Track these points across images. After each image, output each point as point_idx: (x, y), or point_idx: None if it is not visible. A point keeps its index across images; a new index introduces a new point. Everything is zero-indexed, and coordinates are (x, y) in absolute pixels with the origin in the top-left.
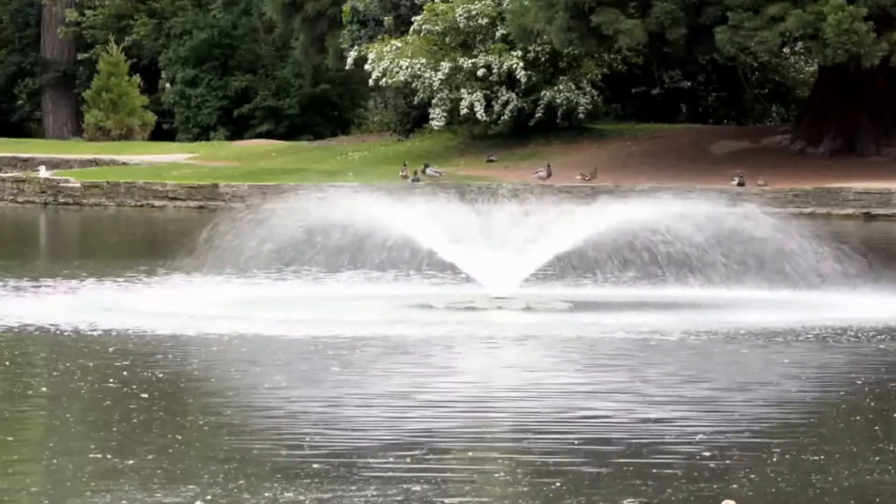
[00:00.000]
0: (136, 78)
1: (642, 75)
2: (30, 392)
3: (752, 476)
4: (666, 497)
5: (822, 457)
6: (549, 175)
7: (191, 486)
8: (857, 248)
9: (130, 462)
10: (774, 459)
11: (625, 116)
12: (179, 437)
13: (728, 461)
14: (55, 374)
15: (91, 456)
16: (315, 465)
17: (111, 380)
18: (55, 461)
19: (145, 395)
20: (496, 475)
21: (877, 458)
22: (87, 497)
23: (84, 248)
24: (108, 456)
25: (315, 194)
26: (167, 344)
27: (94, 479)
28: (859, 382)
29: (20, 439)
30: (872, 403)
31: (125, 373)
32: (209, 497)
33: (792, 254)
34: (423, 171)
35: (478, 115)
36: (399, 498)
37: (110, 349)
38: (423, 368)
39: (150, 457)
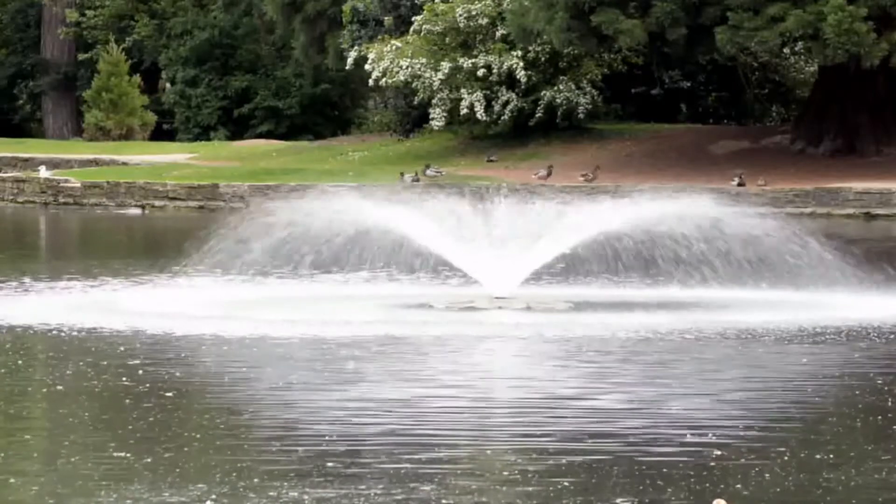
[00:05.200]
0: (137, 78)
1: (642, 75)
2: (44, 390)
3: (766, 475)
4: (668, 496)
5: (833, 456)
6: (548, 175)
7: (200, 485)
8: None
9: (147, 460)
10: (786, 458)
11: (625, 116)
12: (197, 436)
13: (742, 460)
14: (68, 372)
15: (108, 454)
16: (329, 465)
17: (124, 378)
18: (72, 459)
19: (169, 394)
20: (500, 475)
21: (886, 458)
22: (95, 496)
23: (85, 247)
24: (127, 454)
25: (316, 194)
26: (176, 344)
27: (107, 478)
28: (879, 382)
29: (37, 437)
30: (891, 403)
31: (140, 371)
32: (214, 496)
33: (794, 255)
34: (424, 172)
35: (478, 115)
36: (400, 497)
37: (120, 348)
38: (424, 368)
39: (166, 455)
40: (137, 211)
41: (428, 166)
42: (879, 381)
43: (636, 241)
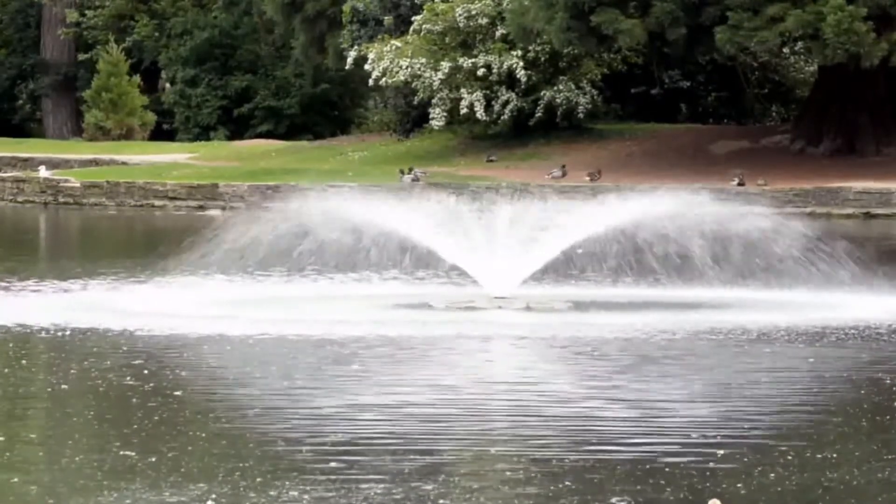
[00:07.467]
0: (136, 78)
1: (642, 75)
2: (49, 390)
3: (770, 475)
4: (667, 496)
5: (836, 456)
6: (563, 175)
7: (201, 485)
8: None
9: (151, 459)
10: (789, 458)
11: (625, 116)
12: (202, 435)
13: (745, 459)
14: (72, 372)
15: (111, 453)
16: (330, 465)
17: (128, 378)
18: (76, 458)
19: (177, 393)
20: (500, 475)
21: (890, 457)
22: (96, 495)
23: (85, 247)
24: (130, 453)
25: (316, 194)
26: (179, 343)
27: (109, 477)
28: (887, 382)
29: (41, 436)
30: None
31: (145, 371)
32: (215, 496)
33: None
34: (412, 174)
35: (478, 115)
36: (400, 497)
37: (122, 348)
38: (424, 369)
39: (170, 454)
40: (218, 212)
41: (411, 169)
42: (887, 381)
43: (637, 240)
